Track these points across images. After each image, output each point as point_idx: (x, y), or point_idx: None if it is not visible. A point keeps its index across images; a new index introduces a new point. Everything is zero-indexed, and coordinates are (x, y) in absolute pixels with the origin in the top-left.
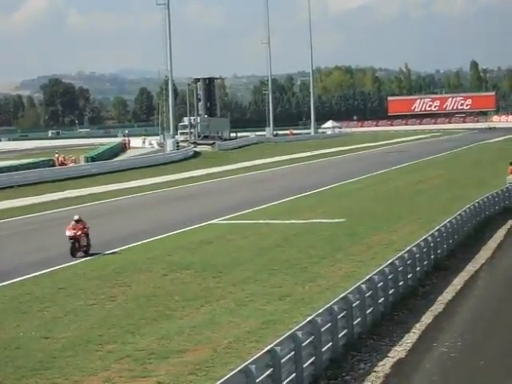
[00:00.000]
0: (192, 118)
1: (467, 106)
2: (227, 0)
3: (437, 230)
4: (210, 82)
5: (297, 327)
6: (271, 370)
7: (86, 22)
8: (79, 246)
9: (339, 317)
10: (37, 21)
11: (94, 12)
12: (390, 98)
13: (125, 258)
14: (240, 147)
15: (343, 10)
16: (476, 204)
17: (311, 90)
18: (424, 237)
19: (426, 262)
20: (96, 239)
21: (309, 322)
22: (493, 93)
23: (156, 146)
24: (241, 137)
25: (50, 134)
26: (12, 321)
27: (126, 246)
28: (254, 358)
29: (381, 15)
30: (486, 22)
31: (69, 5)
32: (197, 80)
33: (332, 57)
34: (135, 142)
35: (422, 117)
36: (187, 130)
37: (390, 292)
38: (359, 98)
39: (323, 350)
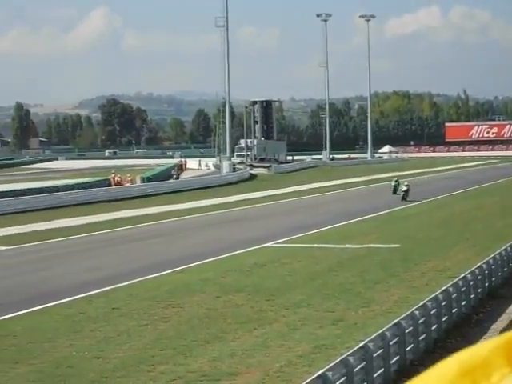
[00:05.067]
0: (249, 140)
1: None
2: (283, 22)
3: (492, 258)
4: (267, 105)
5: (349, 352)
6: None
7: (143, 43)
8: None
9: (391, 343)
10: (96, 40)
11: (151, 33)
12: (447, 124)
13: (178, 280)
14: (296, 170)
15: (399, 35)
16: None
17: (368, 115)
18: (478, 264)
19: (480, 290)
20: (150, 260)
21: (361, 347)
22: None
23: (212, 168)
24: (297, 160)
25: (107, 154)
26: (65, 340)
27: (180, 268)
28: (305, 382)
29: (437, 41)
30: None
31: (126, 25)
32: (254, 102)
33: (389, 81)
34: (191, 163)
35: (479, 143)
36: (244, 153)
37: (444, 319)
38: (416, 124)
39: (375, 376)
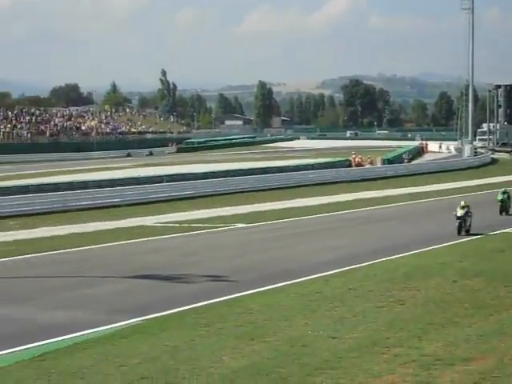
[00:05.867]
0: (491, 124)
1: None
2: None
3: None
4: (511, 89)
5: None
6: None
7: (387, 24)
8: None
9: None
10: (340, 21)
11: (395, 14)
12: None
13: (416, 262)
14: None
15: None
16: None
17: None
18: None
19: None
20: (389, 241)
21: None
22: None
23: (453, 151)
24: None
25: (348, 135)
26: (300, 318)
27: (418, 250)
28: None
29: None
30: None
31: (370, 6)
32: (498, 86)
33: None
34: (432, 146)
35: None
36: (486, 137)
37: None
38: None
39: None
